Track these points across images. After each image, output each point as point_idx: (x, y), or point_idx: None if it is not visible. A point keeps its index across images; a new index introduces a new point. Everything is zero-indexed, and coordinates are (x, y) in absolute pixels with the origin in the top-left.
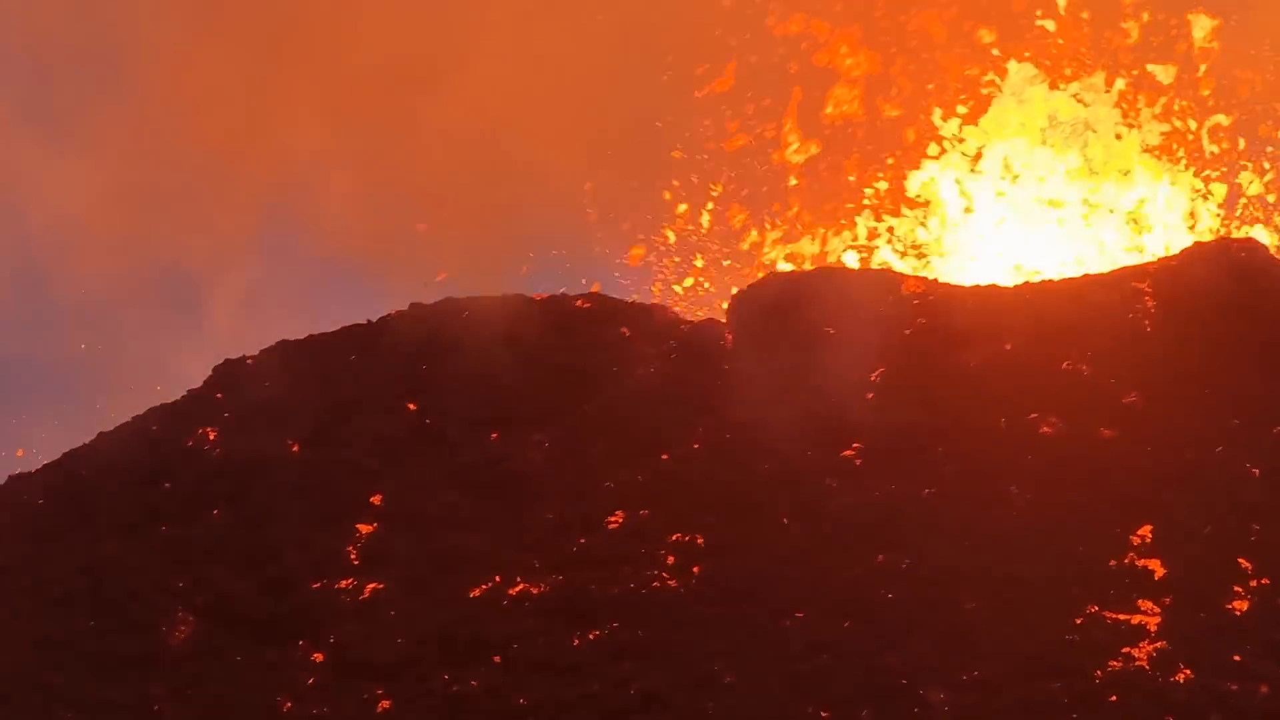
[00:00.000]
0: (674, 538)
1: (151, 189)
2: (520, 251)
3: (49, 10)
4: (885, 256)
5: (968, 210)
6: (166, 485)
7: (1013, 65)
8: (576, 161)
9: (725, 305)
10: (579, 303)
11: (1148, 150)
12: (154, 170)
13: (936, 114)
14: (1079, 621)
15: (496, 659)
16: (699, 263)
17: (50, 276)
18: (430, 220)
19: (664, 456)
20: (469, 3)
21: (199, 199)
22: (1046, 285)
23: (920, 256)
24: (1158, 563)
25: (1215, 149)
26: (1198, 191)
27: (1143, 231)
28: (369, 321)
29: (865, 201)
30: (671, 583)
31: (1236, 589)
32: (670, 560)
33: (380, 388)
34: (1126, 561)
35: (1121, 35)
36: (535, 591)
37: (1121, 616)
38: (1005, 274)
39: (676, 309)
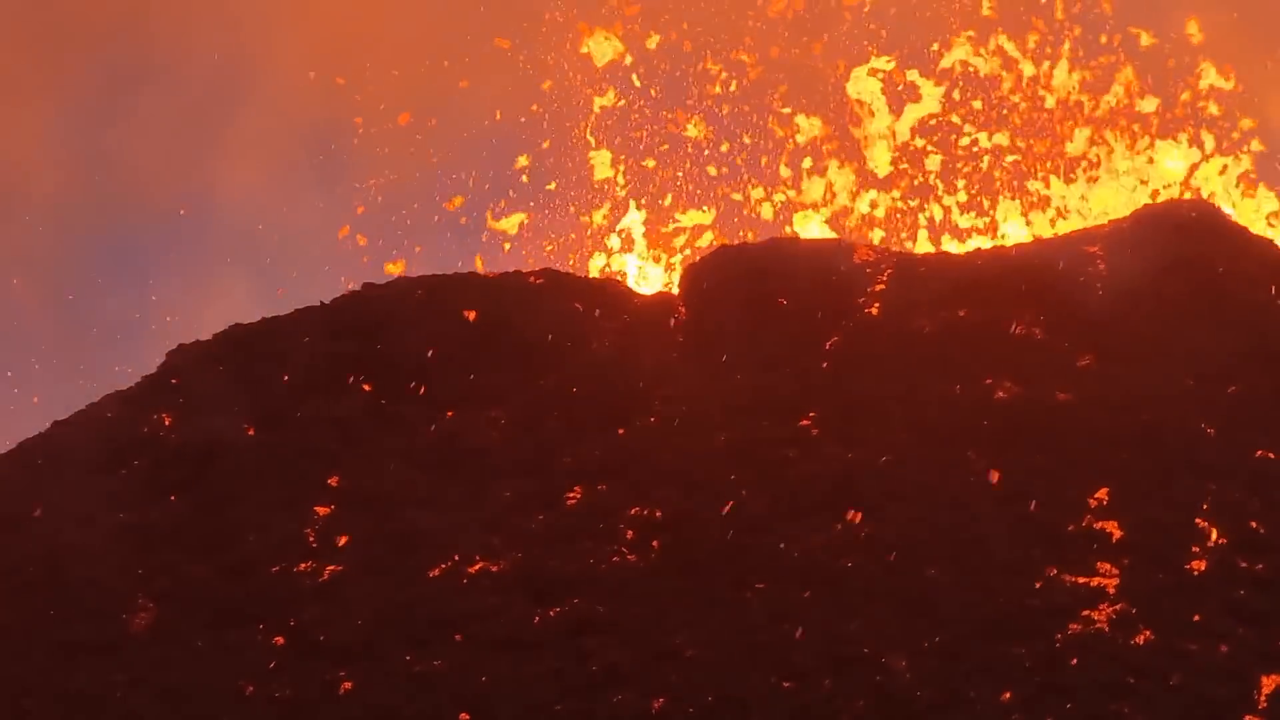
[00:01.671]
0: (633, 512)
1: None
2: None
3: None
4: (837, 225)
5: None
6: (123, 472)
7: None
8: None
9: (677, 278)
10: (532, 278)
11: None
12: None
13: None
14: (1039, 585)
15: (458, 638)
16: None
17: None
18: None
19: (620, 431)
20: None
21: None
22: (998, 251)
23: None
24: (1115, 524)
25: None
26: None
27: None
28: (322, 303)
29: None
30: (631, 557)
31: (1194, 549)
32: (629, 535)
33: (335, 369)
34: (1084, 524)
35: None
36: (495, 569)
37: (1081, 579)
38: (956, 240)
39: (628, 282)
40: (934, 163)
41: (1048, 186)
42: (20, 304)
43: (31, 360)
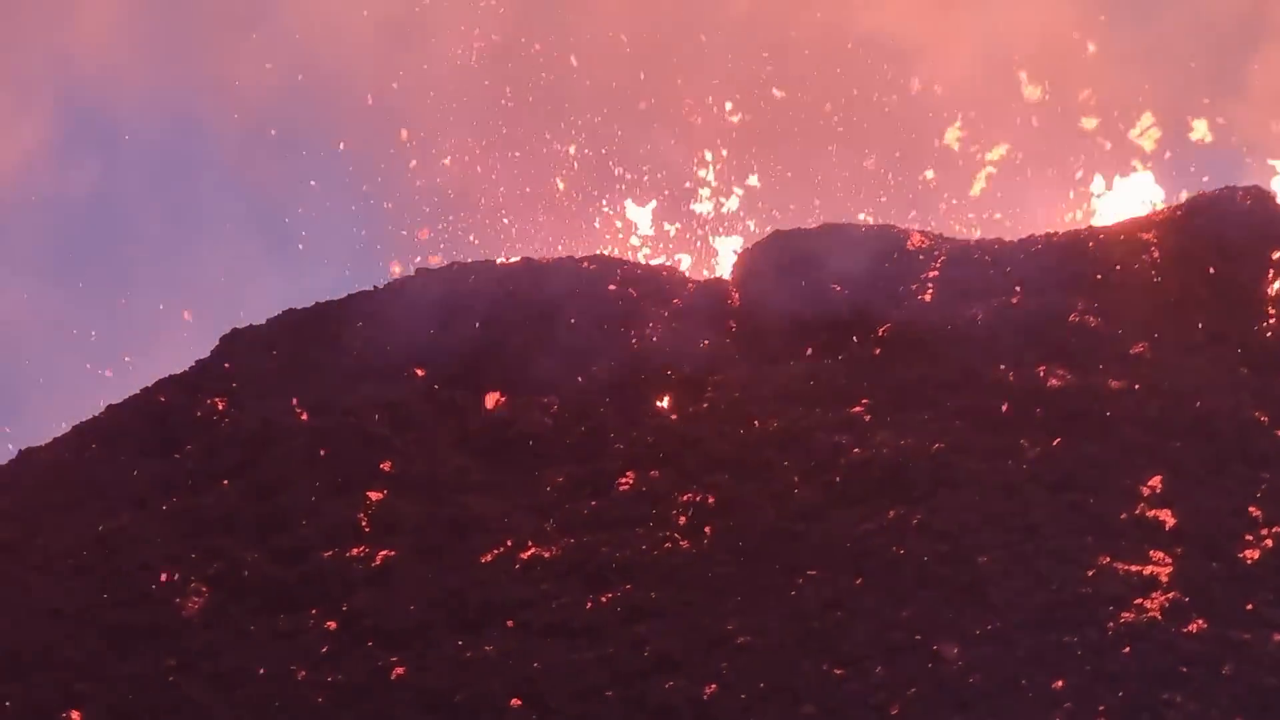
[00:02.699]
0: (685, 498)
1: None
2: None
3: None
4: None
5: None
6: (176, 456)
7: None
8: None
9: (732, 263)
10: (585, 264)
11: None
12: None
13: None
14: (1091, 573)
15: (510, 623)
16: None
17: None
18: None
19: (673, 417)
20: None
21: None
22: (1052, 238)
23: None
24: (1168, 513)
25: None
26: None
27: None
28: (375, 288)
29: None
30: (683, 543)
31: (1247, 537)
32: (682, 520)
33: (388, 354)
34: (1137, 512)
35: None
36: (547, 555)
37: (1134, 567)
38: (1011, 227)
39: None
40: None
41: None
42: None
43: (84, 342)
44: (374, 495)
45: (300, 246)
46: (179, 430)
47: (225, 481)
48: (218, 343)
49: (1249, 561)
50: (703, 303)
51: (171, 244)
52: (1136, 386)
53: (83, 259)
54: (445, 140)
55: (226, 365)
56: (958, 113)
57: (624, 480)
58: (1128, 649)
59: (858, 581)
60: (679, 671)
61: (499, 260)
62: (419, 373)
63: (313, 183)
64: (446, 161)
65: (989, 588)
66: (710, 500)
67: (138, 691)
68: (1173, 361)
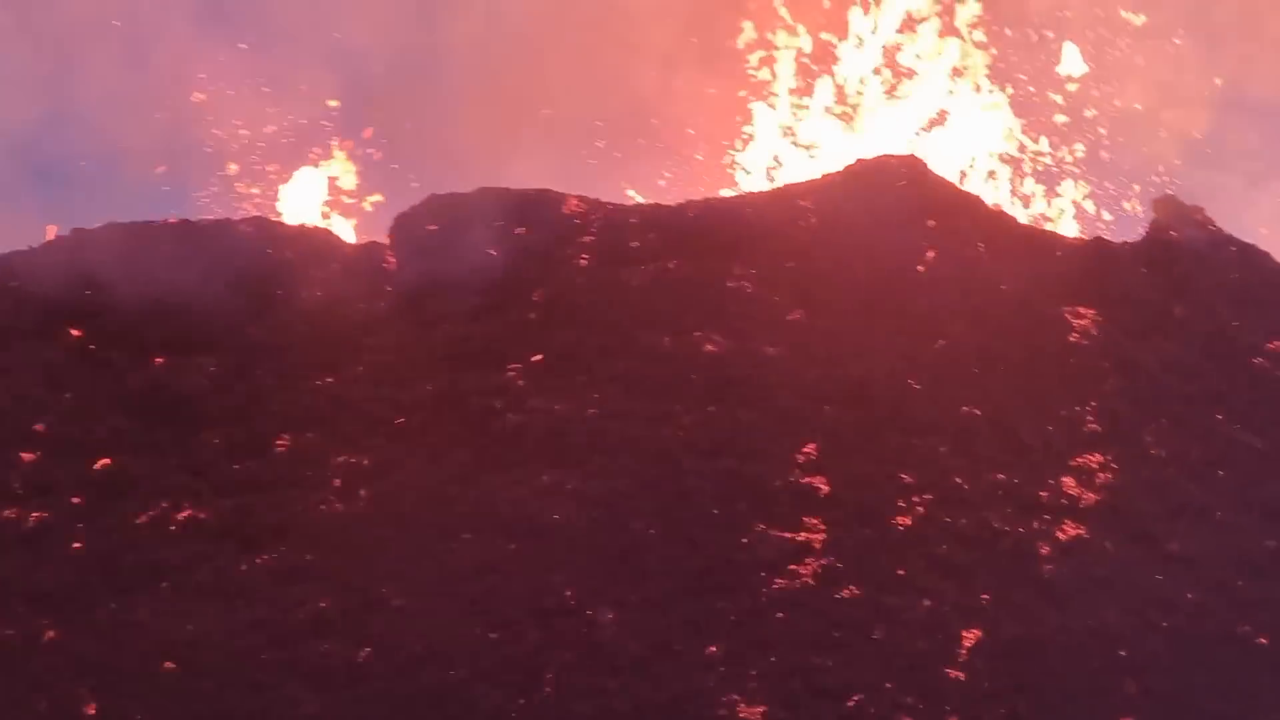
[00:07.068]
0: (340, 460)
1: None
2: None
3: None
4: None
5: None
6: None
7: None
8: None
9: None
10: (243, 226)
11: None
12: None
13: None
14: (745, 540)
15: (165, 584)
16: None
17: None
18: None
19: (329, 379)
20: None
21: None
22: (710, 203)
23: None
24: (823, 479)
25: None
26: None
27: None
28: (30, 247)
29: None
30: (338, 506)
31: (900, 504)
32: (337, 483)
33: (41, 313)
34: (792, 479)
35: None
36: (203, 516)
37: (788, 534)
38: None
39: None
40: None
41: None
42: None
43: None
44: (27, 456)
45: None
46: None
47: None
48: None
49: (901, 528)
50: (359, 265)
51: None
52: (792, 353)
53: None
54: None
55: None
56: None
57: (280, 442)
58: (781, 614)
59: (512, 546)
60: (333, 632)
61: (160, 220)
62: (74, 332)
63: None
64: None
65: (644, 553)
66: (365, 462)
67: None
68: (828, 328)
